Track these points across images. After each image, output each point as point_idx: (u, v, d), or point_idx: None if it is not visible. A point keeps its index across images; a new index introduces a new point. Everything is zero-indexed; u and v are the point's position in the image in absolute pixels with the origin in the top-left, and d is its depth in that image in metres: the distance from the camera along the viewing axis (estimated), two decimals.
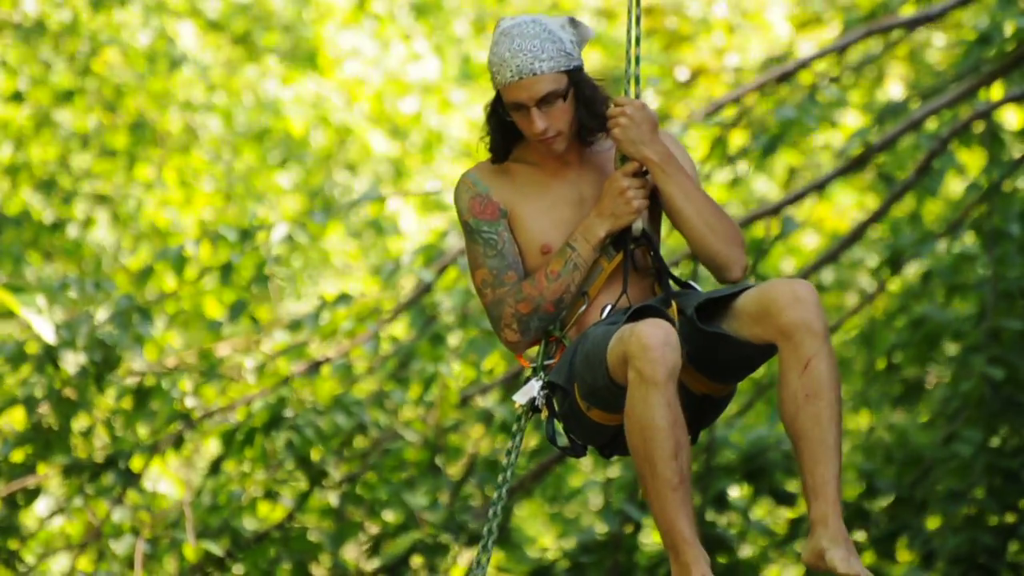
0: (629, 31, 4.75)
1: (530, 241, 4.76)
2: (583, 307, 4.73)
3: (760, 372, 8.87)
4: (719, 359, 4.56)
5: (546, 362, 4.77)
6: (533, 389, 4.72)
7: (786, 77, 9.59)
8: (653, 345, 4.33)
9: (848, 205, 14.59)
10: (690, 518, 4.37)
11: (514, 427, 4.82)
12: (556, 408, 4.72)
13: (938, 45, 10.58)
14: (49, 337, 7.23)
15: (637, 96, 4.74)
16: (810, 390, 4.40)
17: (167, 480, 10.54)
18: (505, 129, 4.76)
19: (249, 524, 9.44)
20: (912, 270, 10.64)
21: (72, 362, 8.73)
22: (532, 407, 4.74)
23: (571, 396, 4.61)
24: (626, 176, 4.70)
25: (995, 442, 9.36)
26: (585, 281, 4.72)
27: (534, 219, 4.76)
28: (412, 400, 9.52)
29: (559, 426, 4.79)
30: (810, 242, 14.69)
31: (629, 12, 4.76)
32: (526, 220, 4.76)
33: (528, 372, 4.81)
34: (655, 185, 4.70)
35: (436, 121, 15.40)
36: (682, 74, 14.90)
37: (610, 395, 4.50)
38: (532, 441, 9.53)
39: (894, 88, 13.71)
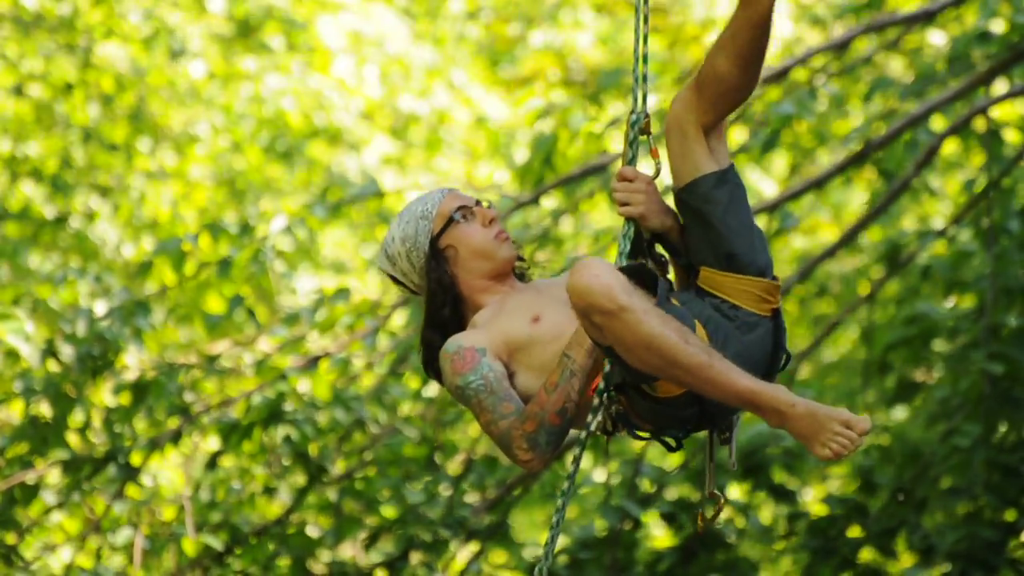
0: (637, 30, 4.70)
1: (519, 326, 4.75)
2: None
3: None
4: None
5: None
6: (598, 412, 4.63)
7: (785, 73, 9.58)
8: (588, 286, 4.33)
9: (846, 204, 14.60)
10: (741, 371, 4.33)
11: (574, 455, 4.73)
12: (636, 410, 4.63)
13: (937, 43, 10.57)
14: (35, 363, 7.27)
15: (644, 95, 4.67)
16: None
17: (167, 475, 10.53)
18: (449, 293, 4.84)
19: (248, 519, 9.43)
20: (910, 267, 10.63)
21: (70, 356, 8.73)
22: (605, 430, 4.66)
23: (636, 386, 4.56)
24: None
25: (994, 438, 9.36)
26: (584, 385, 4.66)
27: (511, 318, 4.77)
28: (410, 396, 9.52)
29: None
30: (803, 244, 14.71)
31: (637, 11, 4.70)
32: (504, 326, 4.76)
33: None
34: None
35: (444, 99, 15.26)
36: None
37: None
38: None
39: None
